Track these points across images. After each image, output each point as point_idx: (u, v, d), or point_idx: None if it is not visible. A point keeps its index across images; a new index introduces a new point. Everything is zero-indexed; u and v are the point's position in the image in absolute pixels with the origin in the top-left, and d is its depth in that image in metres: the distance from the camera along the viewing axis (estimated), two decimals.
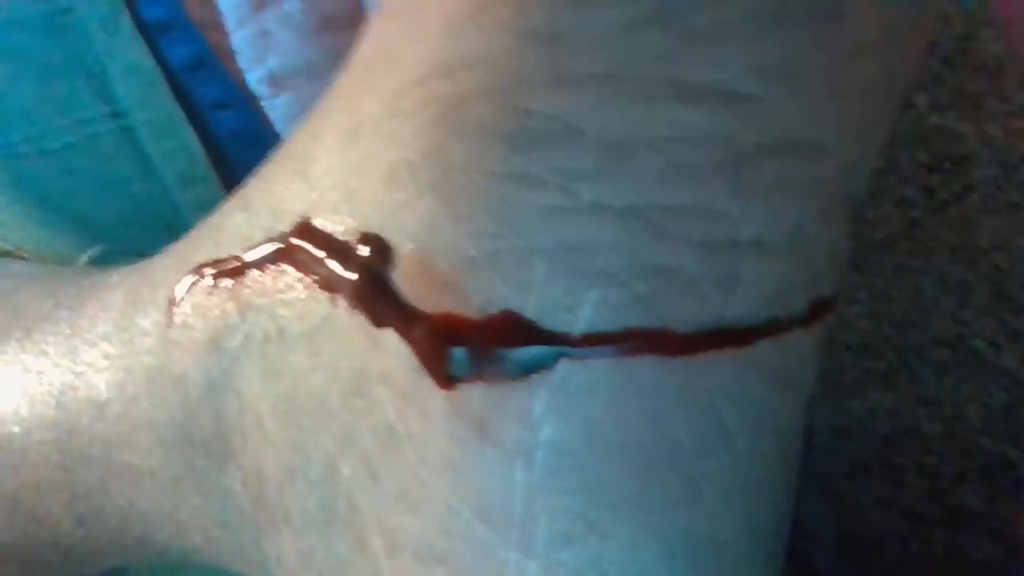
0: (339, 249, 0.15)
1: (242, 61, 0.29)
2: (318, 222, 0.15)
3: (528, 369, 0.13)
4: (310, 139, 0.16)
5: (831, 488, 0.39)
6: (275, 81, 0.29)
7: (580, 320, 0.13)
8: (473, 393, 0.13)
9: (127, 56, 0.27)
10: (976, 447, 0.33)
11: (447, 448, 0.14)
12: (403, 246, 0.14)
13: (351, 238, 0.15)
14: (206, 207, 0.28)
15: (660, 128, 0.13)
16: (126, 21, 0.27)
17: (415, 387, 0.14)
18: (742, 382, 0.14)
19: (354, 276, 0.14)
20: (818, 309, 0.15)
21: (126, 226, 0.26)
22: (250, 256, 0.16)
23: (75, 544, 0.19)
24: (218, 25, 0.29)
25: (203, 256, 0.17)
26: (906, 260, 0.34)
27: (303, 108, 0.28)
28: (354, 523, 0.14)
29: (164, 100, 0.27)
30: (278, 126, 0.29)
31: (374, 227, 0.14)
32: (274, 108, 0.29)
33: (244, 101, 0.29)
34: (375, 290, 0.14)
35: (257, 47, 0.29)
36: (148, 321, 0.17)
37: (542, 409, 0.13)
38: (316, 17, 0.29)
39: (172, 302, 0.17)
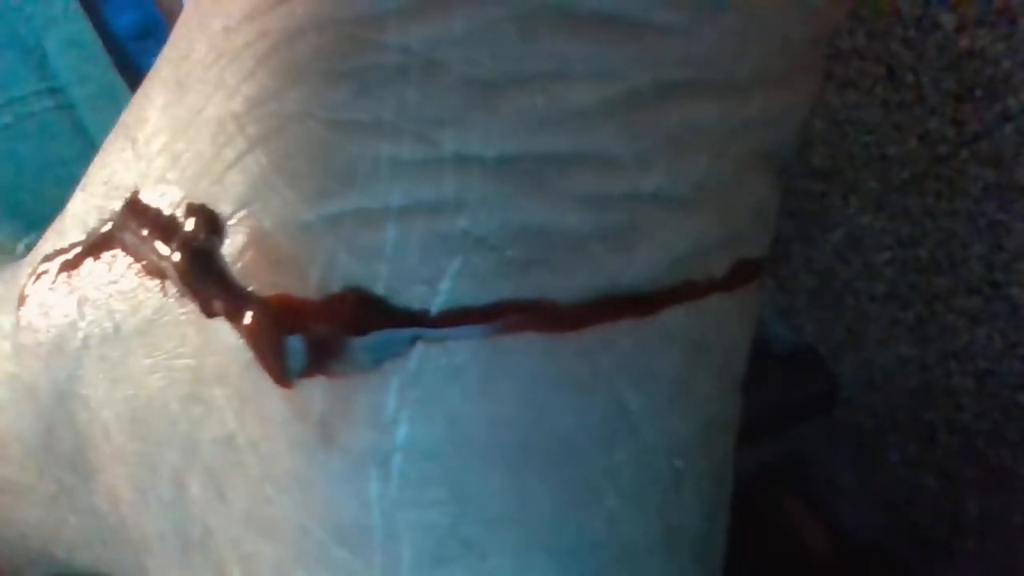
0: (164, 226, 0.12)
1: None
2: (145, 195, 0.13)
3: (378, 358, 0.11)
4: (141, 98, 0.14)
5: (859, 445, 0.37)
6: None
7: (440, 294, 0.11)
8: (315, 391, 0.11)
9: (64, 28, 0.26)
10: (1012, 403, 0.30)
11: (291, 458, 0.11)
12: (232, 215, 0.12)
13: (178, 211, 0.12)
14: None
15: (539, 63, 0.11)
16: None
17: (252, 387, 0.12)
18: (646, 357, 0.11)
19: (177, 256, 0.12)
20: (742, 271, 0.12)
21: None
22: (85, 243, 0.14)
23: None
24: None
25: (49, 247, 0.15)
26: (934, 201, 0.31)
27: None
28: (211, 549, 0.13)
29: (106, 73, 0.26)
30: None
31: (200, 195, 0.12)
32: None
33: None
34: (199, 271, 0.12)
35: None
36: (6, 323, 0.16)
37: (396, 405, 0.11)
38: None
39: (20, 301, 0.15)
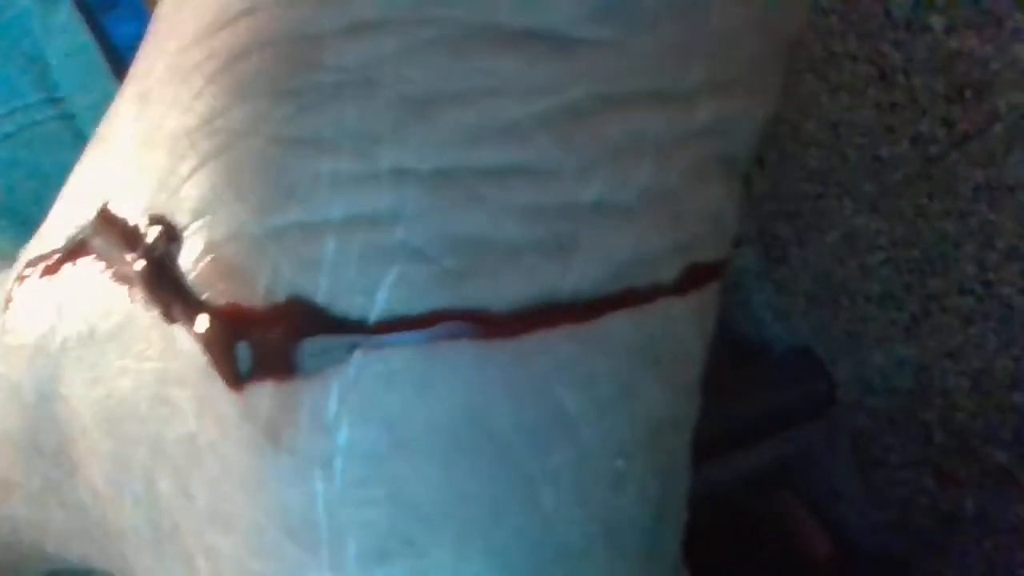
0: (129, 235, 0.13)
1: None
2: (114, 205, 0.14)
3: (320, 364, 0.11)
4: (113, 111, 0.15)
5: (857, 446, 0.37)
6: None
7: (377, 304, 0.11)
8: (263, 394, 0.12)
9: (66, 38, 0.26)
10: (1006, 403, 0.30)
11: (243, 458, 0.12)
12: (188, 226, 0.12)
13: (141, 221, 0.13)
14: None
15: (471, 79, 0.11)
16: (65, 1, 0.26)
17: (208, 390, 0.12)
18: (585, 362, 0.12)
19: (141, 264, 0.13)
20: (696, 275, 0.13)
21: None
22: (63, 249, 0.15)
23: None
24: None
25: (33, 252, 0.16)
26: (927, 202, 0.31)
27: None
28: (179, 542, 0.13)
29: (106, 83, 0.26)
30: None
31: (160, 207, 0.13)
32: None
33: None
34: (158, 280, 0.12)
35: None
36: None
37: (336, 409, 0.11)
38: None
39: (6, 304, 0.16)
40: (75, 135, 0.26)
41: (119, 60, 0.28)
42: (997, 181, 0.29)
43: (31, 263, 0.16)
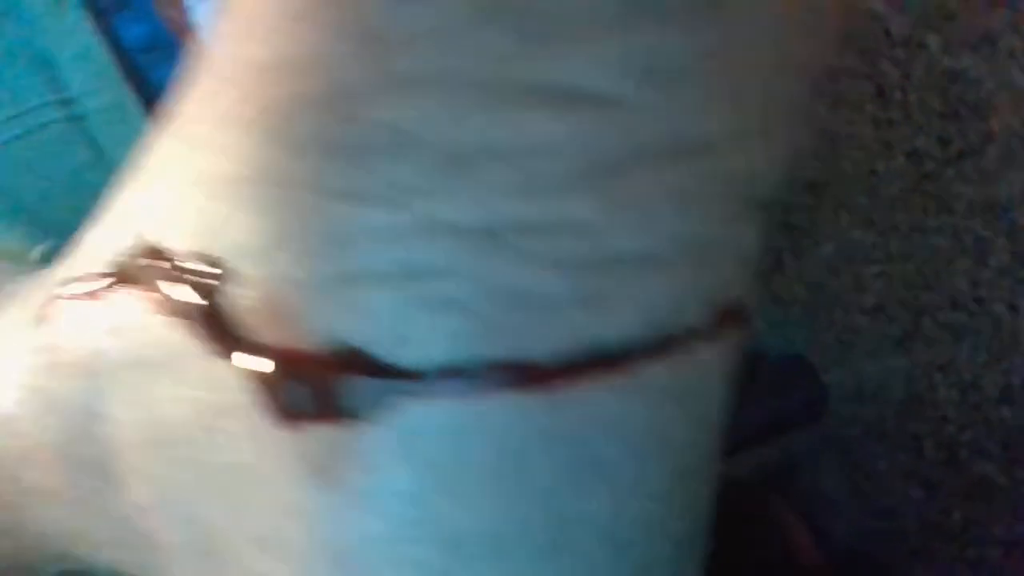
0: (177, 271, 0.14)
1: (206, 36, 0.28)
2: (157, 239, 0.14)
3: (370, 408, 0.12)
4: (156, 146, 0.15)
5: (848, 455, 0.38)
6: None
7: (423, 354, 0.12)
8: (315, 434, 0.12)
9: (76, 40, 0.26)
10: (995, 416, 0.31)
11: (294, 491, 0.13)
12: (240, 269, 0.13)
13: (187, 259, 0.13)
14: None
15: (508, 136, 0.11)
16: (74, 3, 0.26)
17: (260, 424, 0.13)
18: (623, 411, 0.12)
19: (193, 302, 0.13)
20: (724, 319, 0.13)
21: (79, 218, 0.26)
22: (104, 276, 0.15)
23: (5, 554, 0.19)
24: (175, 1, 0.28)
25: (70, 271, 0.16)
26: (921, 217, 0.32)
27: None
28: (223, 562, 0.14)
29: (115, 85, 0.27)
30: None
31: (209, 248, 0.13)
32: None
33: None
34: (211, 318, 0.13)
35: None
36: (36, 340, 0.17)
37: (386, 454, 0.12)
38: None
39: (40, 323, 0.16)
40: (85, 137, 0.26)
41: (128, 63, 0.28)
42: (990, 199, 0.29)
43: (71, 282, 0.16)
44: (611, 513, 0.12)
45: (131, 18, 0.28)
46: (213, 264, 0.13)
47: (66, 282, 0.16)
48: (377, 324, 0.12)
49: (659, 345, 0.12)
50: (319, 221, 0.12)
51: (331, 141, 0.12)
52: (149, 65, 0.28)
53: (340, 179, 0.12)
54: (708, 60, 0.11)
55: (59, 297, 0.16)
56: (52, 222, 0.26)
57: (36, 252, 0.25)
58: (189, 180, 0.14)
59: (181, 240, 0.14)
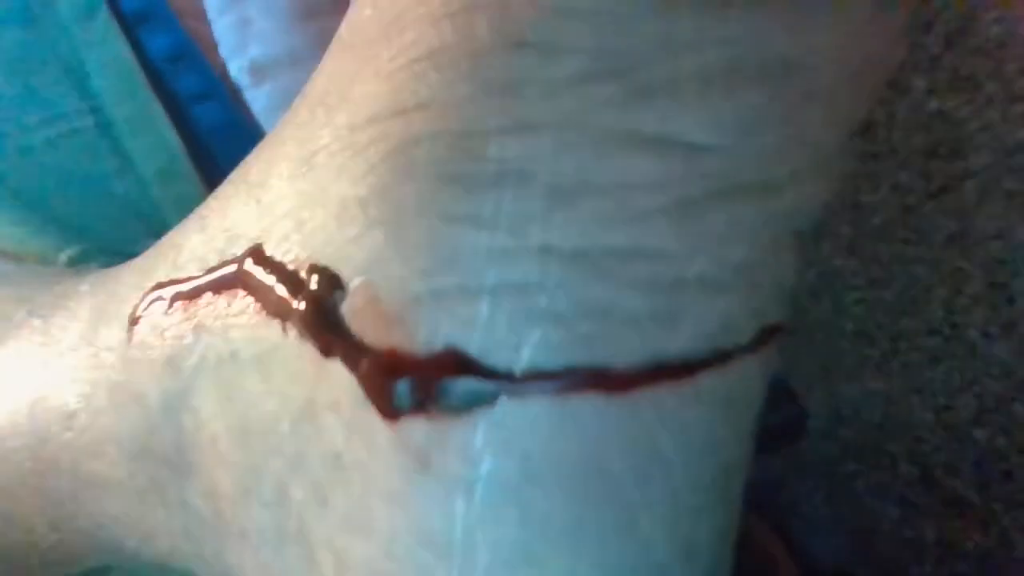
0: (289, 278, 0.15)
1: (224, 50, 0.29)
2: (269, 249, 0.15)
3: (469, 404, 0.13)
4: (265, 165, 0.16)
5: (827, 474, 0.39)
6: (257, 70, 0.29)
7: (522, 358, 0.13)
8: (416, 426, 0.14)
9: (104, 49, 0.27)
10: (968, 437, 0.33)
11: (391, 478, 0.14)
12: (351, 279, 0.14)
13: (301, 268, 0.15)
14: (186, 203, 0.28)
15: (610, 174, 0.13)
16: (103, 12, 0.27)
17: (361, 418, 0.14)
18: (682, 413, 0.14)
19: (303, 306, 0.15)
20: (765, 335, 0.15)
21: (105, 224, 0.26)
22: (205, 278, 0.16)
23: (51, 547, 0.20)
24: (199, 14, 0.29)
25: (162, 275, 0.17)
26: (902, 247, 0.33)
27: (285, 98, 0.27)
28: (305, 542, 0.15)
29: (142, 94, 0.27)
30: (260, 117, 0.29)
31: (323, 259, 0.14)
32: (256, 98, 0.29)
33: (226, 93, 0.28)
34: (322, 322, 0.14)
35: (239, 35, 0.29)
36: (111, 337, 0.17)
37: (482, 444, 0.13)
38: (299, 4, 0.29)
39: (132, 321, 0.17)
40: (111, 144, 0.27)
41: (153, 72, 0.29)
42: (968, 232, 0.31)
43: (161, 285, 0.17)
44: (668, 501, 0.14)
45: (156, 29, 0.28)
46: (327, 275, 0.14)
47: (160, 284, 0.17)
48: (480, 331, 0.13)
49: (716, 358, 0.14)
50: (435, 240, 0.13)
51: (451, 172, 0.13)
52: (174, 74, 0.28)
53: (457, 205, 0.13)
54: (786, 115, 0.13)
55: (160, 299, 0.17)
56: (79, 227, 0.26)
57: (64, 256, 0.26)
58: (304, 198, 0.15)
59: (295, 253, 0.15)
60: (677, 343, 0.13)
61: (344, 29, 0.15)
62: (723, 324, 0.14)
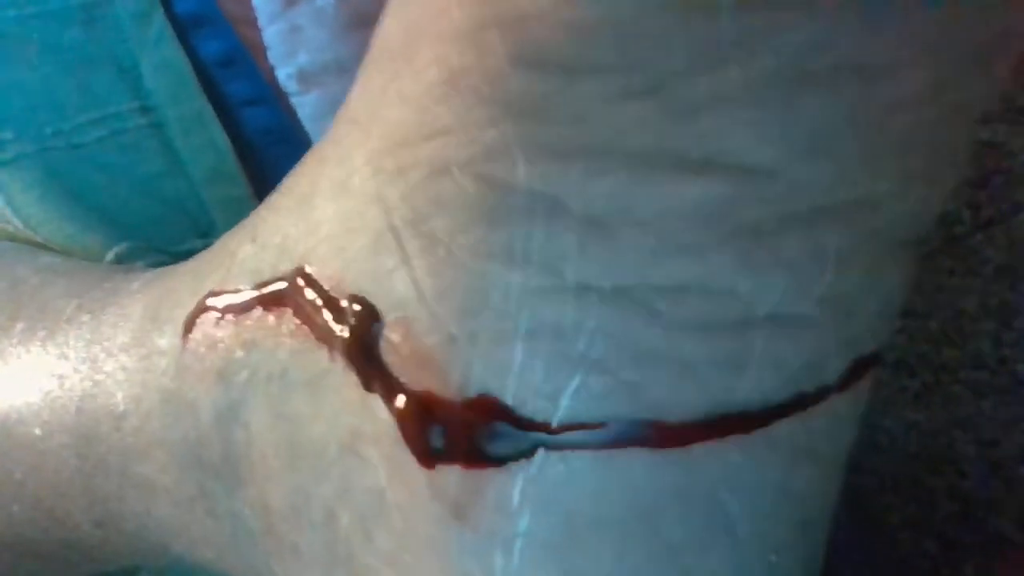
0: (331, 304, 0.14)
1: (273, 57, 0.29)
2: (314, 271, 0.15)
3: (506, 457, 0.13)
4: (310, 182, 0.16)
5: (861, 506, 0.38)
6: (305, 78, 0.29)
7: (559, 408, 0.12)
8: (451, 475, 0.13)
9: (159, 51, 0.27)
10: (1014, 476, 0.32)
11: (428, 526, 0.13)
12: (388, 313, 0.14)
13: (342, 296, 0.14)
14: (233, 204, 0.28)
15: (652, 203, 0.12)
16: (159, 15, 0.27)
17: (400, 458, 0.14)
18: (750, 468, 0.13)
19: (346, 335, 0.14)
20: (859, 369, 0.13)
21: (153, 222, 0.26)
22: (256, 293, 0.16)
23: (94, 545, 0.20)
24: (250, 20, 0.29)
25: (214, 283, 0.17)
26: (946, 278, 0.33)
27: (332, 105, 0.27)
28: (353, 569, 0.14)
29: (194, 96, 0.27)
30: (307, 123, 0.29)
31: (362, 289, 0.14)
32: (303, 105, 0.29)
33: (274, 98, 0.28)
34: (362, 354, 0.14)
35: (288, 43, 0.29)
36: (164, 341, 0.17)
37: (519, 499, 0.13)
38: (348, 13, 0.29)
39: (187, 327, 0.17)
40: (162, 145, 0.27)
41: (205, 76, 0.29)
42: (1017, 265, 0.31)
43: (214, 294, 0.16)
44: (734, 567, 0.13)
45: (209, 34, 0.29)
46: (366, 307, 0.13)
47: (213, 293, 0.17)
48: (516, 378, 0.13)
49: (795, 403, 0.13)
50: (468, 279, 0.13)
51: (480, 204, 0.13)
52: (225, 79, 0.29)
53: (487, 241, 0.13)
54: (858, 126, 0.11)
55: (213, 308, 0.16)
56: (127, 225, 0.26)
57: (111, 254, 0.26)
58: (345, 223, 0.14)
59: (337, 279, 0.14)
60: (744, 390, 0.12)
61: (374, 40, 0.15)
62: (805, 364, 0.12)
